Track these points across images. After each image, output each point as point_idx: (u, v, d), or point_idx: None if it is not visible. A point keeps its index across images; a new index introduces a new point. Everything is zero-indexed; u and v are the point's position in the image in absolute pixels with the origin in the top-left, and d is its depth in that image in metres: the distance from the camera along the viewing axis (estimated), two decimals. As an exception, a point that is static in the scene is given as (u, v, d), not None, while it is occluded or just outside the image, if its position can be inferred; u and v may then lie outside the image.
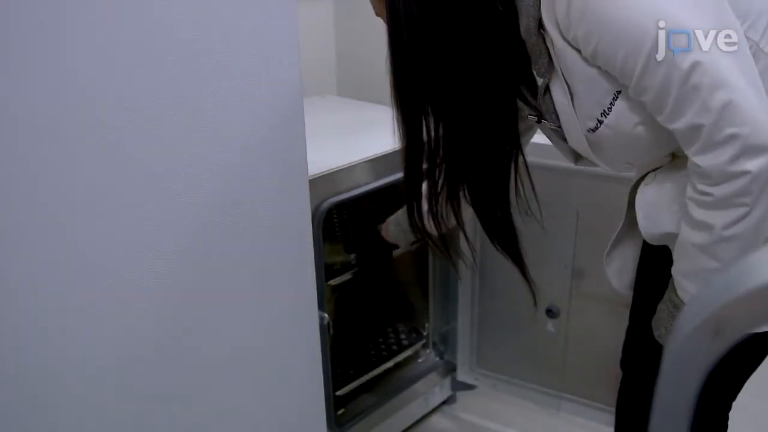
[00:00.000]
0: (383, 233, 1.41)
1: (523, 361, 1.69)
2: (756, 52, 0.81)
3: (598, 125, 0.87)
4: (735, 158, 0.76)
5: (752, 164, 0.76)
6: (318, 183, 1.27)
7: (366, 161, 1.38)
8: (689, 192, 0.84)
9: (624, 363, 1.17)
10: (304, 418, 1.09)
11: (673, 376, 0.35)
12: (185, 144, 0.80)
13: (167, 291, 0.83)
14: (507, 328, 1.69)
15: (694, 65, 0.74)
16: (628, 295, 1.15)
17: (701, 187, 0.81)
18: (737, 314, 0.32)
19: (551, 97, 0.89)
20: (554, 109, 0.90)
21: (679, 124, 0.79)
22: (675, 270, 0.90)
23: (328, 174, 1.30)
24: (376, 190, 1.41)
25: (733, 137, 0.75)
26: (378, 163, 1.40)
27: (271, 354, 0.99)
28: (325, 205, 1.30)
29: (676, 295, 0.91)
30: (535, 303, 1.14)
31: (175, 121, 0.78)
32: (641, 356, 1.01)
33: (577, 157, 1.01)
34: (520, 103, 0.96)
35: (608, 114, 0.85)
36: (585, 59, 0.82)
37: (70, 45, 0.68)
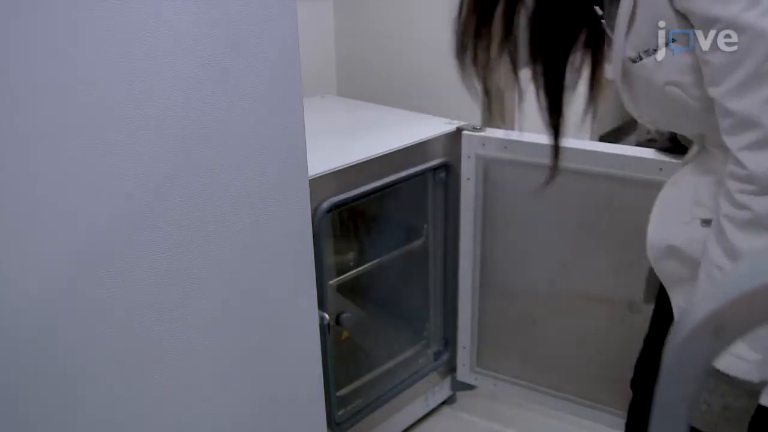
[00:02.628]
0: None
1: (523, 361, 1.69)
2: None
3: (637, 60, 0.79)
4: None
5: None
6: (318, 183, 1.27)
7: (366, 161, 1.38)
8: (725, 208, 0.72)
9: (635, 383, 1.11)
10: (304, 418, 1.09)
11: (673, 376, 0.35)
12: (185, 144, 0.80)
13: (167, 290, 0.84)
14: (507, 329, 1.69)
15: None
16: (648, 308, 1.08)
17: (740, 197, 0.69)
18: (737, 314, 0.32)
19: (617, 6, 0.80)
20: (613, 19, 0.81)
21: (738, 105, 0.68)
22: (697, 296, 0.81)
23: (328, 174, 1.31)
24: (376, 190, 1.41)
25: None
26: (378, 163, 1.40)
27: (271, 354, 0.99)
28: (325, 205, 1.30)
29: None
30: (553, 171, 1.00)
31: (174, 120, 0.78)
32: (654, 380, 0.95)
33: None
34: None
35: (650, 55, 0.77)
36: None
37: (73, 45, 0.68)
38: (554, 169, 0.97)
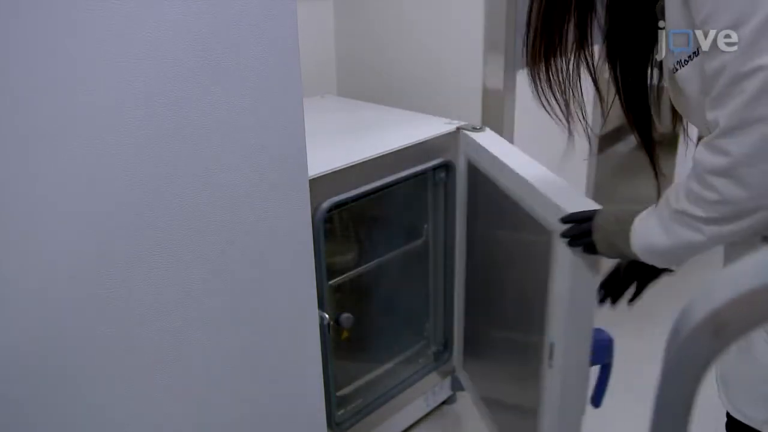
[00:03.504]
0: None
1: (484, 377, 1.63)
2: None
3: (676, 69, 0.82)
4: (704, 175, 0.74)
5: (720, 184, 0.72)
6: (318, 183, 1.27)
7: (366, 161, 1.38)
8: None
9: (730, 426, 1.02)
10: (304, 417, 1.09)
11: (673, 376, 0.35)
12: (185, 144, 0.80)
13: (167, 290, 0.84)
14: (482, 339, 1.64)
15: (756, 69, 0.67)
16: None
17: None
18: (737, 314, 0.32)
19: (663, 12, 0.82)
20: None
21: (709, 116, 0.74)
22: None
23: (328, 174, 1.30)
24: (376, 190, 1.41)
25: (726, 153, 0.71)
26: (378, 163, 1.40)
27: (271, 354, 0.99)
28: (325, 205, 1.30)
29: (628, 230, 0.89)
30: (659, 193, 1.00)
31: (174, 120, 0.78)
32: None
33: None
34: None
35: (684, 65, 0.80)
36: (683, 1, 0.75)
37: (73, 45, 0.68)
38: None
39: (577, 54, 0.91)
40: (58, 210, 0.72)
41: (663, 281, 1.09)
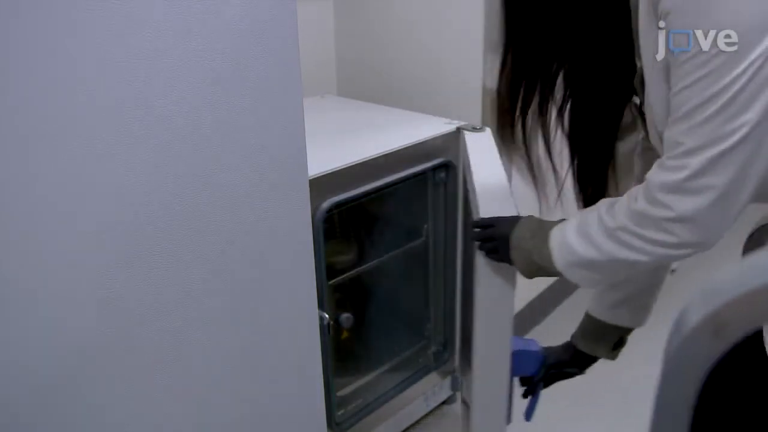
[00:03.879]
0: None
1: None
2: None
3: None
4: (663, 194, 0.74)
5: (678, 201, 0.73)
6: (318, 183, 1.27)
7: (366, 161, 1.38)
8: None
9: None
10: (304, 417, 1.09)
11: (673, 376, 0.35)
12: (184, 144, 0.80)
13: (167, 290, 0.83)
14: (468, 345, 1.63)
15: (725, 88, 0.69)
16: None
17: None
18: (737, 314, 0.32)
19: (643, 85, 0.83)
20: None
21: (669, 134, 0.74)
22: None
23: (328, 174, 1.30)
24: (376, 190, 1.41)
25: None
26: (378, 163, 1.41)
27: (271, 354, 0.99)
28: (325, 205, 1.30)
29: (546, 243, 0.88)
30: None
31: (173, 120, 0.78)
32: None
33: None
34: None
35: None
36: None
37: (73, 45, 0.68)
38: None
39: (539, 120, 0.92)
40: (58, 210, 0.71)
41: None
